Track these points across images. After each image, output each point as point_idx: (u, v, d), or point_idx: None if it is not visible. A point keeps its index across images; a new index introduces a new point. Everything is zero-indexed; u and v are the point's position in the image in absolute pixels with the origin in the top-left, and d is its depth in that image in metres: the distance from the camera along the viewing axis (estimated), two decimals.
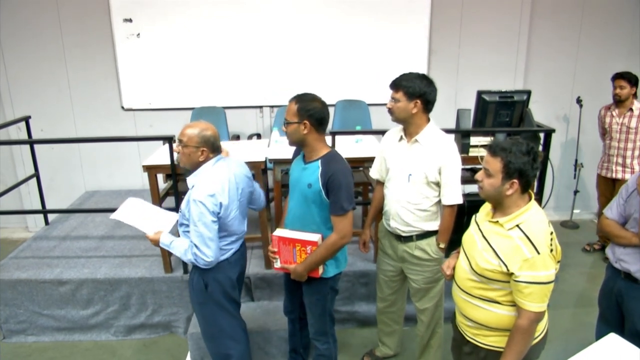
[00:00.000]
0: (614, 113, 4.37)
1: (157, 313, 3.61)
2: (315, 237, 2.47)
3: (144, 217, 2.60)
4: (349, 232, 2.46)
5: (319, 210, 2.48)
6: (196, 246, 2.37)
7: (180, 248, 2.44)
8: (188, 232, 2.45)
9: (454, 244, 2.51)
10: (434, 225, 2.72)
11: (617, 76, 4.27)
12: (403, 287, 3.03)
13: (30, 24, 4.80)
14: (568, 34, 5.17)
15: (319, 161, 2.43)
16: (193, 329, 3.23)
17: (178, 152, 2.42)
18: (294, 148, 2.65)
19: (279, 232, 2.56)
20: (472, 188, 3.27)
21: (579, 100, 5.05)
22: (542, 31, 5.15)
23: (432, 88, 2.57)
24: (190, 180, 2.44)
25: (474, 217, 2.16)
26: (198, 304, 2.61)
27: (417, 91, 2.52)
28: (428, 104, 2.58)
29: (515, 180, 1.89)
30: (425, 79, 2.56)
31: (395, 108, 2.57)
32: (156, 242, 2.51)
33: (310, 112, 2.36)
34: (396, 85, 2.56)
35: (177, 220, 2.58)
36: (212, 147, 2.41)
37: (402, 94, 2.53)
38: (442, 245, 2.72)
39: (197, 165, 2.42)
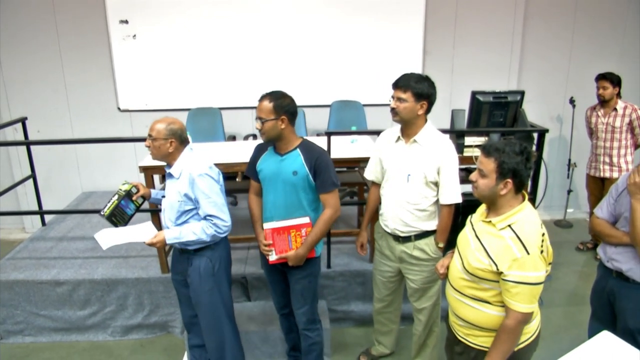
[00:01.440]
0: (599, 113, 4.42)
1: (153, 313, 3.63)
2: (305, 219, 2.59)
3: (127, 233, 2.60)
4: (339, 205, 2.65)
5: (305, 194, 2.60)
6: (214, 216, 2.50)
7: (194, 230, 2.50)
8: (194, 215, 2.55)
9: (449, 244, 2.54)
10: (432, 225, 2.74)
11: (600, 77, 4.32)
12: (400, 287, 3.04)
13: (27, 25, 4.80)
14: (561, 33, 5.21)
15: (297, 150, 2.57)
16: None
17: (148, 147, 2.53)
18: None
19: (269, 224, 2.61)
20: (467, 188, 3.29)
21: (571, 101, 5.09)
22: (536, 31, 5.18)
23: (435, 90, 2.60)
24: (176, 169, 2.54)
25: (469, 217, 2.18)
26: (204, 293, 2.64)
27: (425, 92, 2.54)
28: (431, 105, 2.61)
29: (509, 180, 1.91)
30: (430, 81, 2.59)
31: (402, 108, 2.56)
32: (163, 243, 2.54)
33: (286, 108, 2.48)
34: (404, 85, 2.54)
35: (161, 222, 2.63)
36: (180, 139, 2.54)
37: (411, 94, 2.53)
38: (440, 245, 2.74)
39: (167, 156, 2.54)
